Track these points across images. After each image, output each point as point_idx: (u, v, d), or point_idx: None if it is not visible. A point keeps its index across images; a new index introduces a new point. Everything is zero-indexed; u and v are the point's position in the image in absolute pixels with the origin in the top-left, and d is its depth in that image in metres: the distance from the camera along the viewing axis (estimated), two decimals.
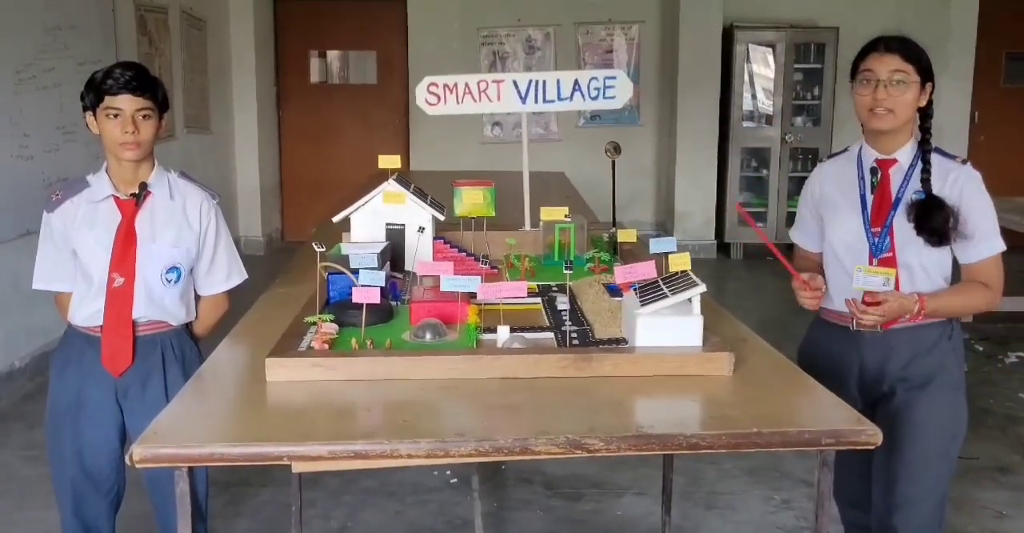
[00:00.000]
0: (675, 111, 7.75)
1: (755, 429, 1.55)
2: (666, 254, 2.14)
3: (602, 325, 2.06)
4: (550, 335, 2.03)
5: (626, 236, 2.72)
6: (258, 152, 7.82)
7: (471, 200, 2.81)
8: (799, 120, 7.76)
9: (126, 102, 2.22)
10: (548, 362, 1.82)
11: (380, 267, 2.23)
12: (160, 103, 2.29)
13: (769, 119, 7.72)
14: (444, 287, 2.01)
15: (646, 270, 1.88)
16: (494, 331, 1.99)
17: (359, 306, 1.99)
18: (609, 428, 1.56)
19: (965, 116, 8.20)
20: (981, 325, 5.16)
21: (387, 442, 1.49)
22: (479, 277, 2.00)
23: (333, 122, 8.28)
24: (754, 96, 7.76)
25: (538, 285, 2.50)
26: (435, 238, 2.71)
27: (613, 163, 3.08)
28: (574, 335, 1.98)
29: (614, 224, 3.00)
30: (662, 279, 1.96)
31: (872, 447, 1.55)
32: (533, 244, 2.88)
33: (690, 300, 1.88)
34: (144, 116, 2.25)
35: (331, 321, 1.99)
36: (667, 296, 1.87)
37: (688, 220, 7.83)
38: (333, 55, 8.43)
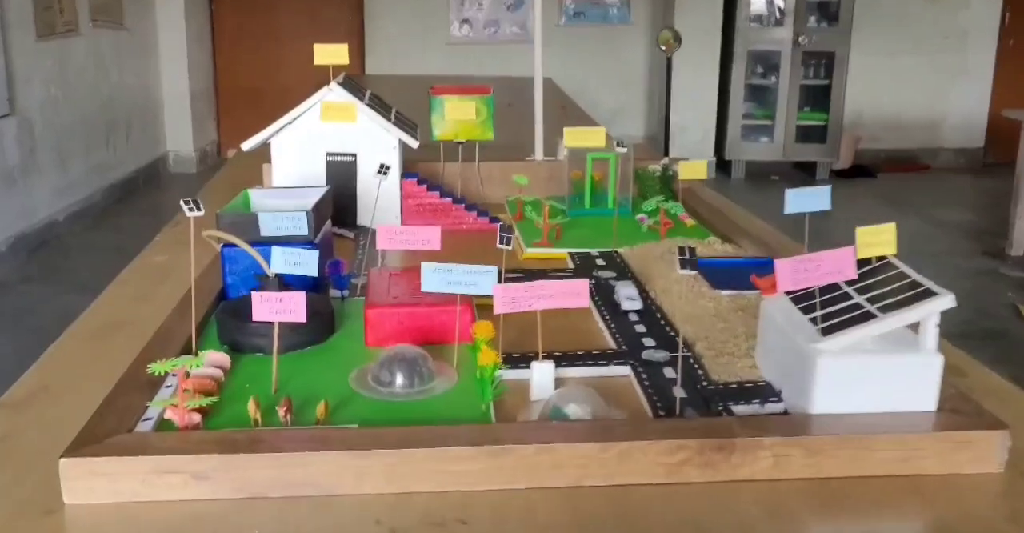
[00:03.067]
0: (672, 7, 6.70)
1: None
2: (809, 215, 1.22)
3: (710, 347, 1.14)
4: (624, 371, 1.11)
5: (693, 171, 1.77)
6: (187, 53, 6.65)
7: (458, 115, 1.86)
8: (813, 19, 6.74)
9: None
10: (646, 455, 0.89)
11: (314, 234, 1.29)
12: None
13: (780, 19, 6.70)
14: (428, 286, 1.07)
15: (841, 264, 0.93)
16: (520, 363, 1.08)
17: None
18: None
19: (995, 18, 7.25)
20: None
21: None
22: (494, 270, 1.05)
23: (275, 19, 7.11)
24: None
25: (571, 254, 1.57)
26: (404, 176, 1.76)
27: (669, 61, 2.12)
28: (670, 375, 1.06)
29: (667, 152, 2.06)
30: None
31: None
32: (548, 182, 1.94)
33: (913, 326, 0.96)
34: None
35: (221, 350, 1.06)
36: (873, 316, 0.94)
37: (684, 135, 6.85)
38: None
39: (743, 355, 1.11)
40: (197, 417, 0.94)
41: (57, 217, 5.04)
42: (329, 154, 1.70)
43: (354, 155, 1.70)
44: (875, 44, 7.03)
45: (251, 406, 0.93)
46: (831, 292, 1.02)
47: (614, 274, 1.44)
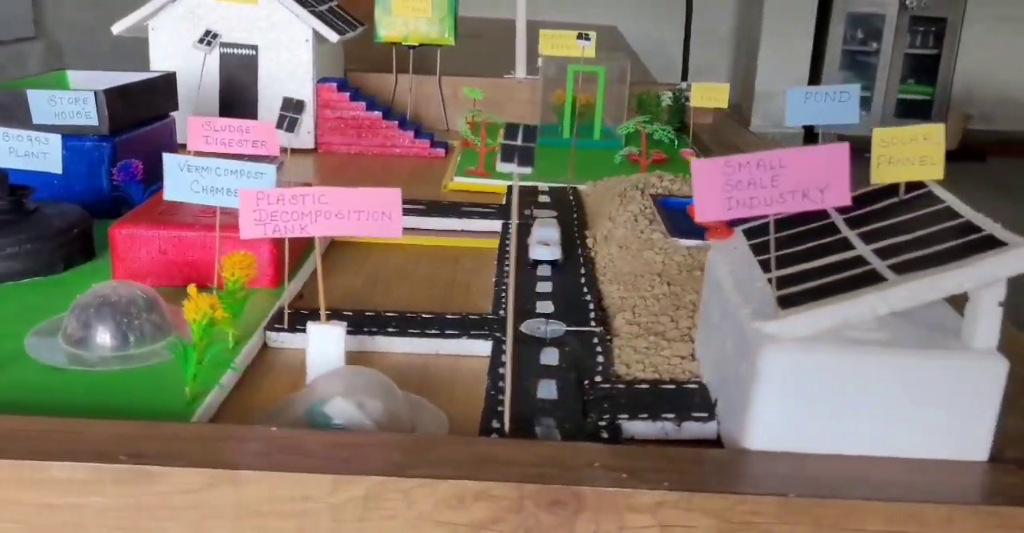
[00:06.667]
0: None
1: None
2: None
3: (635, 322, 0.71)
4: (483, 349, 0.70)
5: (709, 96, 1.33)
6: None
7: (408, 10, 1.44)
8: None
9: None
10: (412, 506, 0.48)
11: (108, 126, 0.91)
12: None
13: None
14: (172, 191, 0.67)
15: (824, 175, 0.50)
16: (299, 325, 0.67)
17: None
18: None
19: None
20: None
21: None
22: (272, 169, 0.65)
23: None
24: None
25: (511, 188, 1.16)
26: (322, 81, 1.36)
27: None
28: (550, 360, 0.64)
29: (684, 76, 1.62)
30: (857, 212, 0.60)
31: None
32: (529, 106, 1.52)
33: (958, 304, 0.52)
34: None
35: None
36: (881, 279, 0.51)
37: (770, 102, 6.26)
38: None
39: (679, 338, 0.68)
40: None
41: None
42: (224, 45, 1.31)
43: (254, 48, 1.31)
44: (992, 9, 6.32)
45: None
46: (820, 237, 0.58)
47: (554, 214, 1.02)
